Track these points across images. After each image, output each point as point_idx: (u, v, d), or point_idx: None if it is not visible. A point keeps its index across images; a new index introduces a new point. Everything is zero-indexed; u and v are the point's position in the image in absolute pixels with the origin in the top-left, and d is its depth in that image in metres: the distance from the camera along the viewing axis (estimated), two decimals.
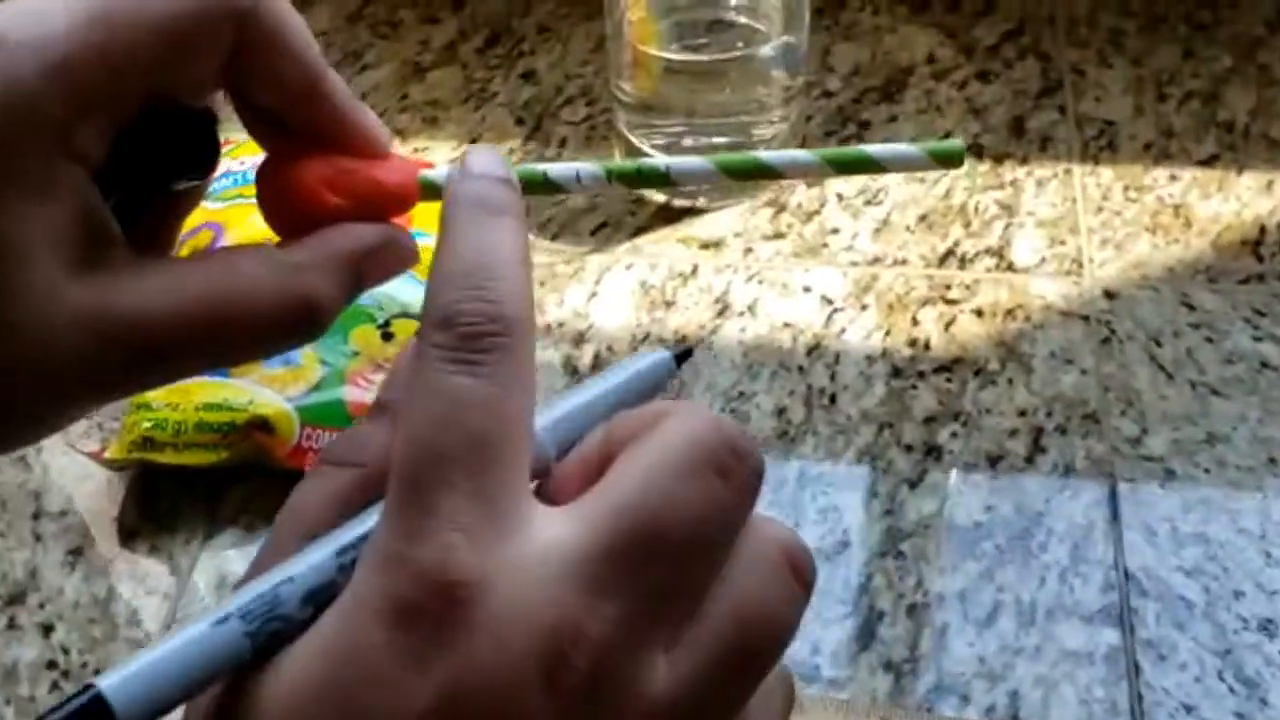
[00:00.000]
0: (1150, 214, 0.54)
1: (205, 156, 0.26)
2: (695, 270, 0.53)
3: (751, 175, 0.27)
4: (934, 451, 0.46)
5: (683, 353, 0.25)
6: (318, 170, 0.25)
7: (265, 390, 0.45)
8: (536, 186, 0.27)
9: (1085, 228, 0.54)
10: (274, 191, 0.26)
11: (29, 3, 0.22)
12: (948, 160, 0.27)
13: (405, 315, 0.48)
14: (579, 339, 0.51)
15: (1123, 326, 0.50)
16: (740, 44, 0.53)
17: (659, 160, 0.27)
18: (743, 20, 0.54)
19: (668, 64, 0.53)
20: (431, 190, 0.26)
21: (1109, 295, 0.51)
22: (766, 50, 0.53)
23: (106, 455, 0.45)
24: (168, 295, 0.23)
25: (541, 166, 0.27)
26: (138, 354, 0.23)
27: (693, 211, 0.55)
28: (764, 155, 0.27)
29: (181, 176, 0.27)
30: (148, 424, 0.45)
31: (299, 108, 0.25)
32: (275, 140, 0.26)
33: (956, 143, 0.27)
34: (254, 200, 0.57)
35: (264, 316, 0.24)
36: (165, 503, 0.46)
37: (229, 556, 0.44)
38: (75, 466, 0.47)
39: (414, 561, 0.18)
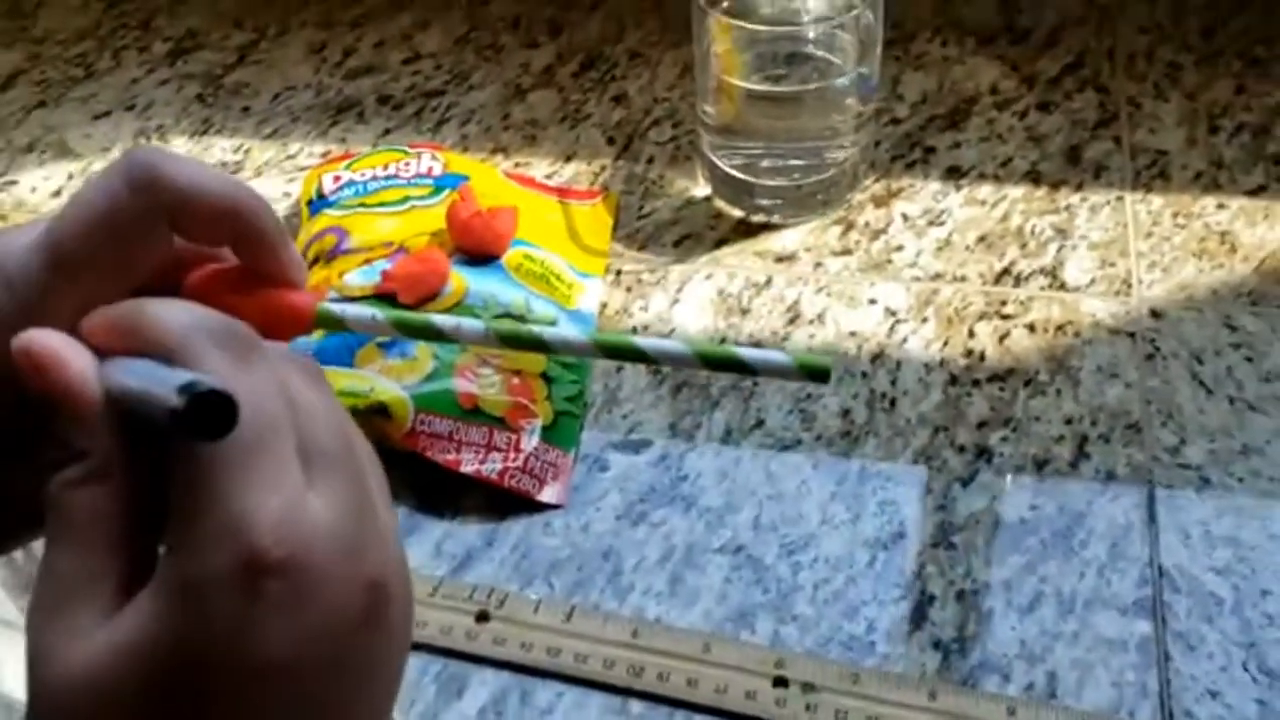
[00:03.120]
0: (1198, 240, 0.58)
1: None
2: (769, 281, 0.58)
3: (626, 356, 0.29)
4: (985, 454, 0.51)
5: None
6: (232, 283, 0.28)
7: (384, 379, 0.51)
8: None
9: (1135, 251, 0.58)
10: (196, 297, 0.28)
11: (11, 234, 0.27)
12: (815, 374, 0.28)
13: (508, 315, 0.54)
14: None
15: (1167, 344, 0.54)
16: (816, 75, 0.58)
17: (543, 330, 0.29)
18: (820, 53, 0.58)
19: (749, 92, 0.58)
20: (327, 320, 0.29)
21: (1155, 315, 0.55)
22: (841, 81, 0.57)
23: None
24: None
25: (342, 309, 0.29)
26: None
27: (768, 227, 0.60)
28: (640, 341, 0.28)
29: None
30: None
31: (236, 249, 0.28)
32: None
33: (827, 359, 0.28)
34: (373, 209, 0.63)
35: None
36: None
37: None
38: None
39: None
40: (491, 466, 0.50)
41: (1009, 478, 0.50)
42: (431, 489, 0.51)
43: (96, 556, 0.24)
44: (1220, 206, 0.59)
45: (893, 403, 0.53)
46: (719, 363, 0.29)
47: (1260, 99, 0.64)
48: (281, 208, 0.64)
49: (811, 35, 0.58)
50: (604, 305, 0.57)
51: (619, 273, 0.59)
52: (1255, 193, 0.60)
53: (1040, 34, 0.68)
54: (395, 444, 0.50)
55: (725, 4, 0.57)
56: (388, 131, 0.67)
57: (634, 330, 0.56)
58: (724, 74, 0.57)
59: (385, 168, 0.61)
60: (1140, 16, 0.68)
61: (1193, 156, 0.61)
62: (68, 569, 0.24)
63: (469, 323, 0.29)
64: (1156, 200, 0.60)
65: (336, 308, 0.29)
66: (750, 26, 0.57)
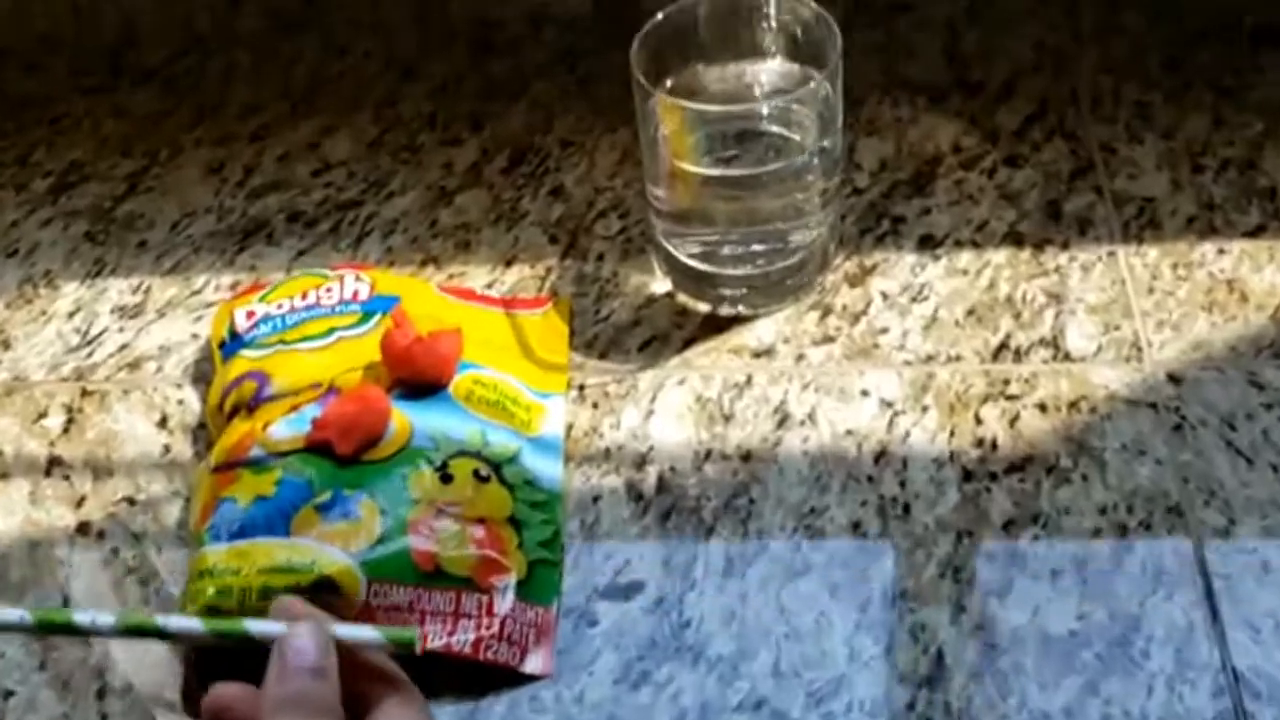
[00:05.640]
0: (1204, 291, 0.53)
1: None
2: (749, 380, 0.52)
3: (148, 635, 0.40)
4: (1018, 559, 0.45)
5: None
6: None
7: (328, 547, 0.44)
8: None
9: (1139, 310, 0.53)
10: None
11: None
12: (405, 645, 0.38)
13: (463, 454, 0.47)
14: (640, 461, 0.49)
15: (1193, 412, 0.49)
16: (774, 154, 0.53)
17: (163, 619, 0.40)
18: (775, 129, 0.53)
19: (704, 177, 0.52)
20: None
21: (1174, 380, 0.50)
22: (802, 159, 0.52)
23: None
24: None
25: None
26: None
27: (739, 320, 0.55)
28: (160, 619, 0.40)
29: None
30: (212, 590, 0.43)
31: None
32: None
33: (411, 632, 0.38)
34: (295, 345, 0.56)
35: None
36: (231, 671, 0.44)
37: None
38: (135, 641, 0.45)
39: None
40: (463, 638, 0.43)
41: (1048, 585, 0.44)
42: None
43: None
44: (1221, 252, 0.55)
45: (906, 509, 0.47)
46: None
47: (1240, 131, 0.60)
48: (190, 352, 0.56)
49: (765, 111, 0.53)
50: (570, 426, 0.51)
51: (582, 387, 0.53)
52: (1254, 233, 0.55)
53: (994, 86, 0.64)
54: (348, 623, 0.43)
55: (669, 83, 0.52)
56: (302, 253, 0.60)
57: (606, 453, 0.50)
58: (675, 158, 0.52)
59: (304, 296, 0.54)
60: (1098, 57, 0.64)
61: (1181, 200, 0.57)
62: None
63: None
64: (1151, 251, 0.55)
65: None
66: (699, 107, 0.52)
